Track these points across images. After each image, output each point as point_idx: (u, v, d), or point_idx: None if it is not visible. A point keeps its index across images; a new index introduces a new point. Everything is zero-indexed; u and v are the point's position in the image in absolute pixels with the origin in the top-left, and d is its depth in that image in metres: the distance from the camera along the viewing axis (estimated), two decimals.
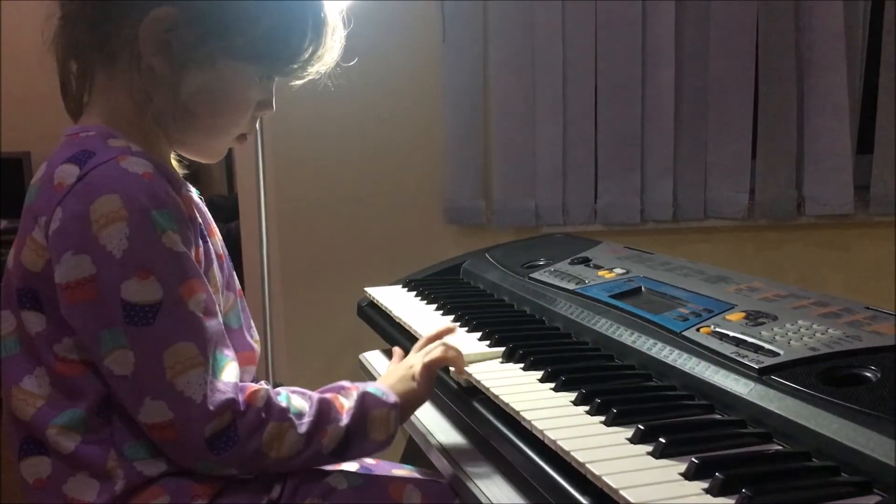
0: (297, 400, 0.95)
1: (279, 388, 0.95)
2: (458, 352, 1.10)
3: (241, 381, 0.94)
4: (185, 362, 0.87)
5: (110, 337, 0.86)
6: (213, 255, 1.01)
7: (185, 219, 0.92)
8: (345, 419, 0.96)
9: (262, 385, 0.93)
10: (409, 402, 1.04)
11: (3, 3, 3.90)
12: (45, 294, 0.90)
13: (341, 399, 0.98)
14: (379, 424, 0.98)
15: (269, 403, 0.91)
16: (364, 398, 0.98)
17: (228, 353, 0.93)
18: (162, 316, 0.87)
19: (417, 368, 1.07)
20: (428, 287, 1.57)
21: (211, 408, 0.87)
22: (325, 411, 0.95)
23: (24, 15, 3.38)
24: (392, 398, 1.00)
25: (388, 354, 1.53)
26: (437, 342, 1.12)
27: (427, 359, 1.08)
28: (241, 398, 0.89)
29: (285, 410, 0.92)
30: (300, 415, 0.93)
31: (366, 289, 1.64)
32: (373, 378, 1.46)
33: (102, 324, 0.86)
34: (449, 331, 1.17)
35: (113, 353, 0.87)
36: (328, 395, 0.98)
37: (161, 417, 0.87)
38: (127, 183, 0.88)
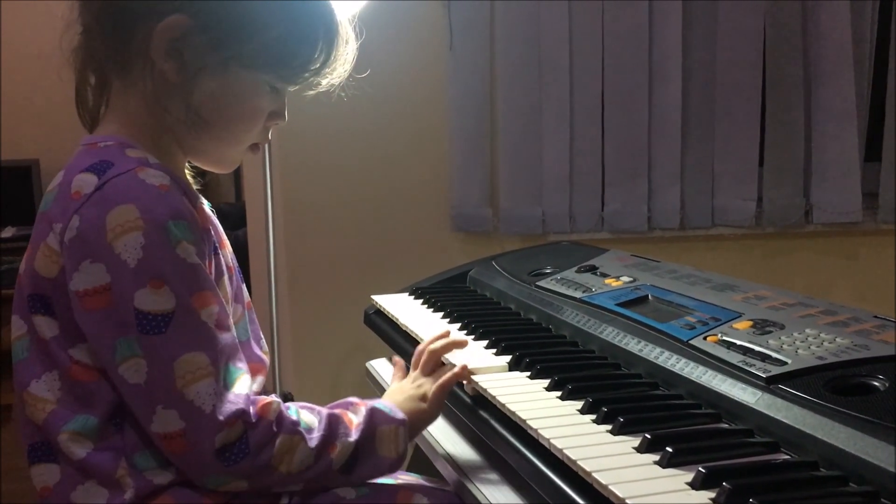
0: (306, 415, 0.94)
1: (289, 404, 0.95)
2: (466, 371, 1.09)
3: (252, 392, 0.93)
4: (196, 372, 0.87)
5: (125, 345, 0.87)
6: (224, 267, 1.01)
7: (200, 231, 0.92)
8: (354, 434, 0.95)
9: (274, 398, 0.93)
10: (417, 421, 1.03)
11: (16, 11, 3.93)
12: (57, 300, 0.91)
13: (350, 415, 0.98)
14: (387, 441, 0.98)
15: (281, 416, 0.91)
16: (372, 414, 0.98)
17: (241, 366, 0.93)
18: (174, 325, 0.87)
19: (427, 390, 1.06)
20: (434, 295, 1.57)
21: (221, 418, 0.86)
22: (334, 426, 0.95)
23: (34, 24, 3.40)
24: (400, 415, 1.00)
25: None
26: (444, 359, 1.12)
27: (437, 384, 1.07)
28: (252, 410, 0.89)
29: (296, 424, 0.92)
30: (310, 429, 0.93)
31: (372, 297, 1.64)
32: (379, 386, 1.46)
33: (118, 332, 0.87)
34: (453, 344, 1.15)
35: (127, 362, 0.87)
36: (337, 411, 0.97)
37: (172, 427, 0.86)
38: (144, 194, 0.88)
